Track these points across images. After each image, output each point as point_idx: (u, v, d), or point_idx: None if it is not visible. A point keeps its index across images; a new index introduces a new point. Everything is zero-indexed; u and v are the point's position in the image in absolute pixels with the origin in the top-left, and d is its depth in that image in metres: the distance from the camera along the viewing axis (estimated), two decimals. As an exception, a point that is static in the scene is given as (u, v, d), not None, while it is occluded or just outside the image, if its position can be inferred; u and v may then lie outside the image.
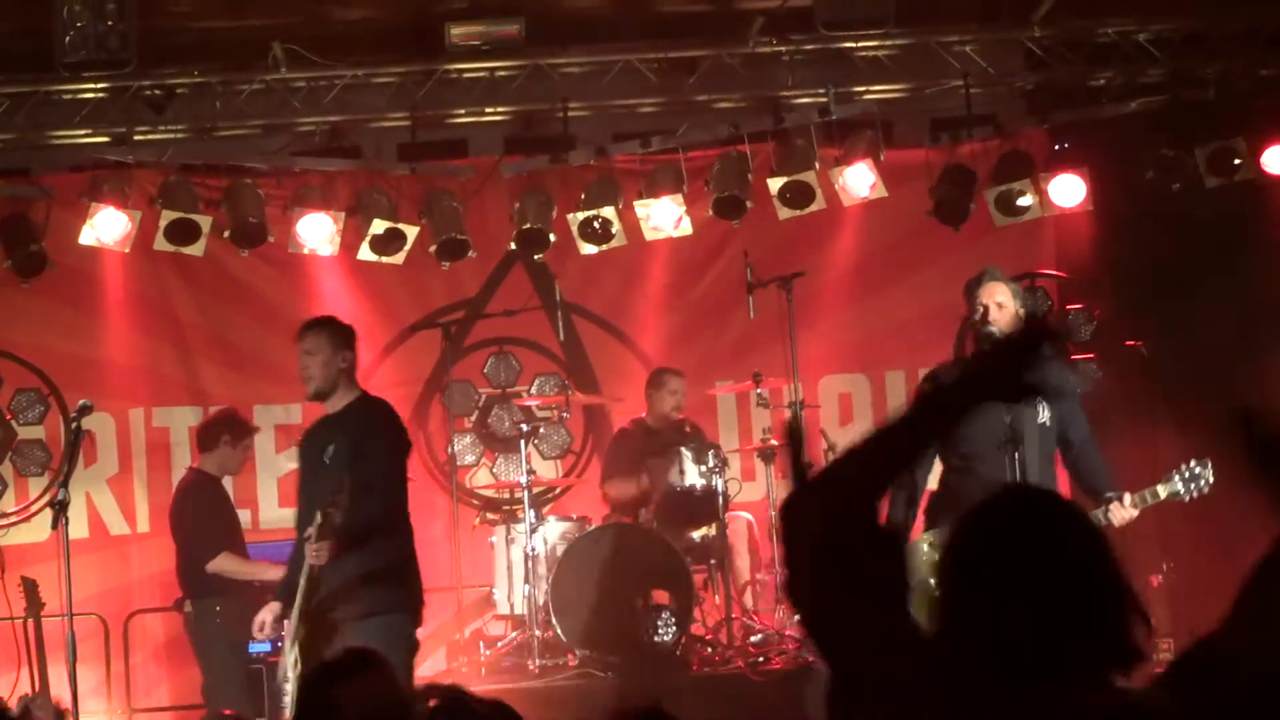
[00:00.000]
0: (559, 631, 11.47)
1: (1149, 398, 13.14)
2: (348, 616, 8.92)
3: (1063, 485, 9.63)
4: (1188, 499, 8.91)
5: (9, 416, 13.28)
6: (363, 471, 8.95)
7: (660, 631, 11.42)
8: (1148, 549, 12.54)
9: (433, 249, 13.06)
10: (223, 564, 11.35)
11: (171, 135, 12.97)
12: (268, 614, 9.28)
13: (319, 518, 8.82)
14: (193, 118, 12.91)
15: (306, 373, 9.23)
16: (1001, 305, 8.78)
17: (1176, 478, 8.83)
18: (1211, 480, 8.86)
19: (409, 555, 9.13)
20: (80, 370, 13.22)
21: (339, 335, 9.23)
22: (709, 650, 11.76)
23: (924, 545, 8.77)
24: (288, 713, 8.75)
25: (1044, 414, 8.75)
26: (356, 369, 9.39)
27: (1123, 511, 8.64)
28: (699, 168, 13.31)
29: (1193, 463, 8.87)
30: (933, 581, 8.63)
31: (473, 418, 13.78)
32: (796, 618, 2.80)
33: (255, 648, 11.68)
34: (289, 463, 13.41)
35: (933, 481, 9.16)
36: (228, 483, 12.04)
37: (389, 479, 9.03)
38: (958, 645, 3.01)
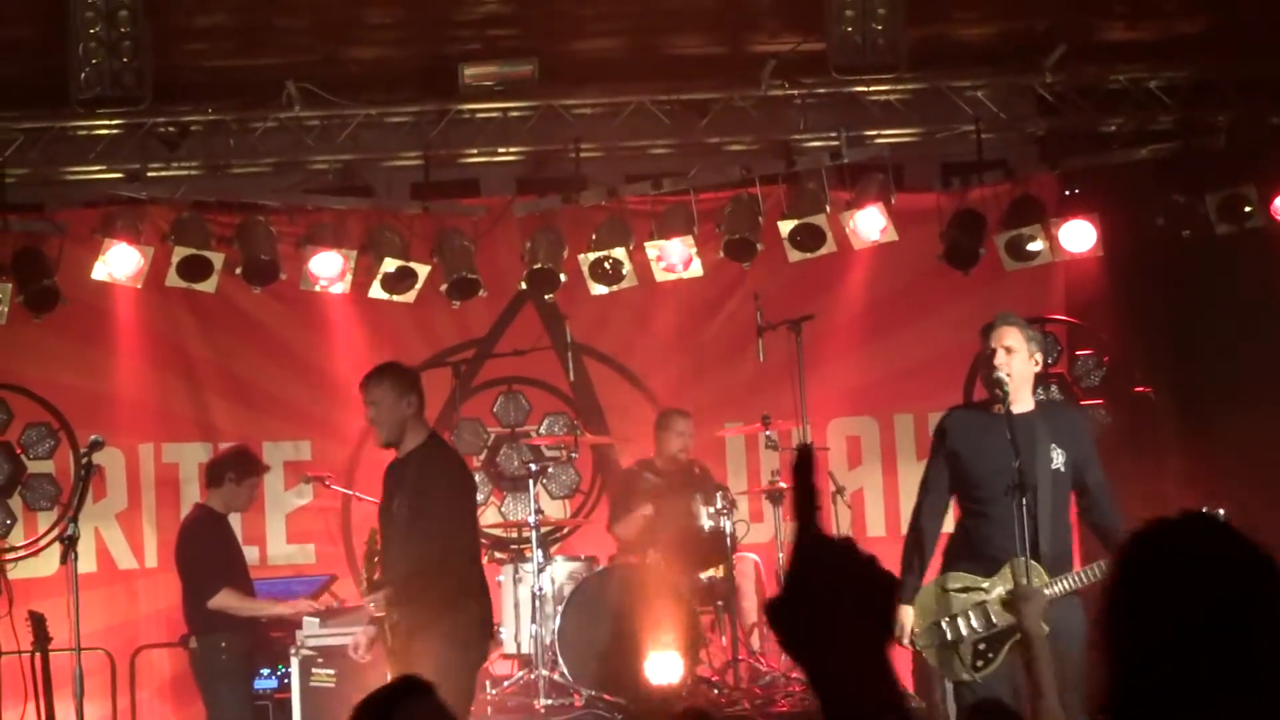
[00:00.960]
0: (565, 671, 11.46)
1: (1157, 444, 13.14)
2: (412, 651, 9.10)
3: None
4: None
5: (19, 450, 13.30)
6: (419, 515, 9.09)
7: (666, 673, 11.41)
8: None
9: (443, 288, 13.10)
10: (224, 600, 11.34)
11: (185, 172, 13.03)
12: (364, 636, 9.49)
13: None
14: (206, 155, 12.97)
15: (374, 423, 9.36)
16: (1011, 349, 8.71)
17: None
18: None
19: (468, 590, 9.18)
20: (91, 405, 13.24)
21: (401, 381, 9.30)
22: (715, 692, 11.75)
23: (937, 589, 8.73)
24: None
25: (1058, 459, 8.66)
26: (424, 410, 9.44)
27: None
28: (710, 210, 13.34)
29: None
30: (944, 624, 8.57)
31: (481, 456, 13.79)
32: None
33: (261, 684, 11.69)
34: (298, 499, 13.47)
35: (948, 524, 9.14)
36: (236, 519, 12.04)
37: (444, 520, 9.09)
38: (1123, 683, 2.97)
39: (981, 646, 8.62)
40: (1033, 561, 8.45)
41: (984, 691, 8.56)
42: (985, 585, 8.59)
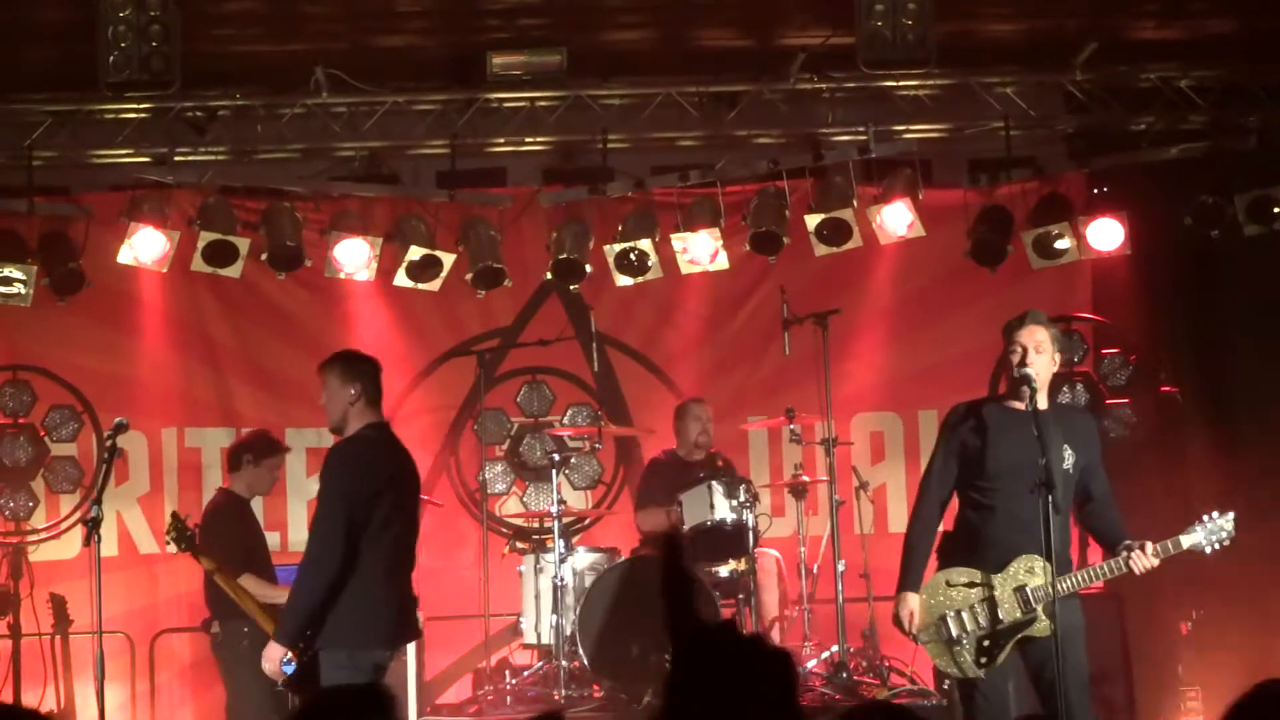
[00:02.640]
0: (585, 662, 11.45)
1: (1182, 443, 13.11)
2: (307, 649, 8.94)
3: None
4: (1209, 550, 8.74)
5: (42, 433, 13.32)
6: (319, 506, 8.99)
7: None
8: (1177, 596, 12.51)
9: (469, 277, 13.09)
10: (245, 585, 11.31)
11: (212, 157, 13.03)
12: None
13: None
14: (233, 140, 12.97)
15: (326, 409, 9.20)
16: (1039, 348, 8.70)
17: (1198, 529, 8.69)
18: (1232, 533, 8.71)
19: (358, 587, 8.75)
20: (114, 389, 13.26)
21: (348, 368, 9.07)
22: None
23: (942, 584, 8.68)
24: None
25: (1068, 460, 8.64)
26: (379, 398, 9.13)
27: (1144, 560, 8.50)
28: (737, 202, 13.32)
29: (1215, 514, 8.71)
30: (949, 620, 8.52)
31: (504, 446, 13.79)
32: None
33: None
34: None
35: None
36: (258, 505, 12.02)
37: (333, 512, 8.86)
38: None
39: (986, 643, 8.56)
40: (1044, 561, 8.42)
41: (987, 688, 8.53)
42: (992, 581, 8.55)
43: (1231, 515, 8.70)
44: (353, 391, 8.99)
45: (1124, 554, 8.51)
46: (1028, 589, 8.45)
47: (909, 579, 8.72)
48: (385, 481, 8.98)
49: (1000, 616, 8.51)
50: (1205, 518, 8.67)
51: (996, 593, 8.54)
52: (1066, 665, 8.29)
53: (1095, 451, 8.89)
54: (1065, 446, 8.65)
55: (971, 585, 8.58)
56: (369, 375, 9.10)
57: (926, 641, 8.70)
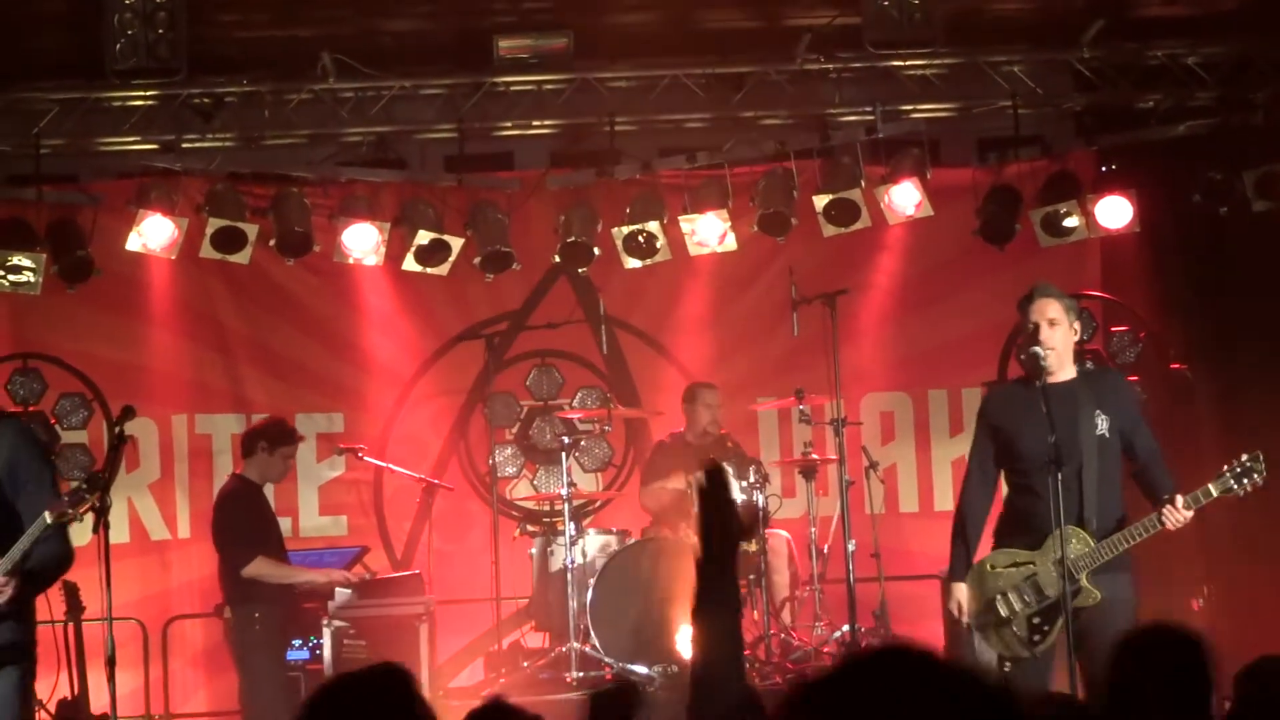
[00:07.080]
0: (597, 644, 11.46)
1: (1193, 421, 13.08)
2: None
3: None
4: (1241, 494, 8.60)
5: (53, 421, 13.32)
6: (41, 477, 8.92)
7: (698, 646, 11.39)
8: (1188, 572, 12.49)
9: (477, 261, 13.08)
10: (259, 568, 11.33)
11: (219, 144, 13.02)
12: None
13: None
14: (241, 126, 12.97)
15: None
16: (1054, 321, 8.59)
17: (1228, 474, 8.55)
18: (1264, 473, 8.55)
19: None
20: (124, 376, 13.26)
21: None
22: (747, 666, 11.73)
23: (986, 567, 8.64)
24: None
25: (1102, 425, 8.51)
26: None
27: (1176, 514, 8.33)
28: (744, 184, 13.31)
29: (1244, 457, 8.56)
30: (997, 602, 8.46)
31: (514, 429, 13.79)
32: None
33: (293, 655, 11.70)
34: (331, 471, 13.50)
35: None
36: (269, 491, 12.04)
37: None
38: None
39: (1036, 620, 8.52)
40: (1078, 529, 8.38)
41: (1041, 667, 8.47)
42: (1033, 558, 8.50)
43: (1260, 455, 8.56)
44: None
45: (1156, 512, 8.41)
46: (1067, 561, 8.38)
47: (956, 569, 8.70)
48: None
49: (1046, 592, 8.45)
50: (1234, 461, 8.53)
51: (1039, 569, 8.48)
52: (1100, 642, 8.21)
53: (1131, 410, 8.76)
54: (1098, 411, 8.54)
55: (1014, 565, 8.54)
56: None
57: (980, 627, 8.63)
